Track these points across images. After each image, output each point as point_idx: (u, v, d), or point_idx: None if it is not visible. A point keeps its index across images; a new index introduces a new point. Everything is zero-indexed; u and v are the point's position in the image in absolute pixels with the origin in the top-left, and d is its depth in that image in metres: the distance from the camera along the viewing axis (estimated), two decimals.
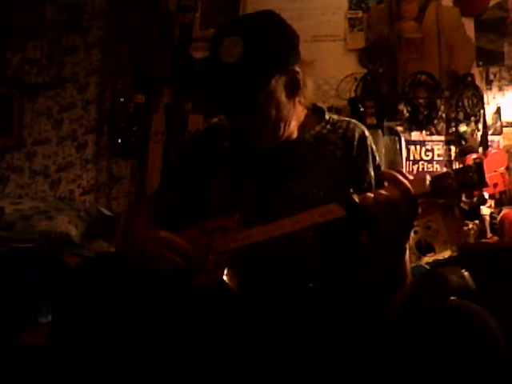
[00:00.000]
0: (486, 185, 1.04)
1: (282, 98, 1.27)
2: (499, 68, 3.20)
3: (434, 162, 3.17)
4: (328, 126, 1.38)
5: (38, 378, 1.81)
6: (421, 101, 3.18)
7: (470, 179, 1.03)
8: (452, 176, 1.05)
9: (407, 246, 1.17)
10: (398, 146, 3.13)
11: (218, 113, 1.44)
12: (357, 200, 1.08)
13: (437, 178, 1.06)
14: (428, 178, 1.06)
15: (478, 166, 1.04)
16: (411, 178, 1.08)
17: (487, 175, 1.03)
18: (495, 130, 3.15)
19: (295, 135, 1.35)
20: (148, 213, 1.41)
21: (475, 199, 2.83)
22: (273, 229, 1.16)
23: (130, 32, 3.48)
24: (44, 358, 1.32)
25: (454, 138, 3.15)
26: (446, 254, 2.66)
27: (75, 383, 1.16)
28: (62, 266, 2.35)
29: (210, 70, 1.28)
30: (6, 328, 2.15)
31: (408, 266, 1.21)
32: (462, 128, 3.12)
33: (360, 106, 3.14)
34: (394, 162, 3.08)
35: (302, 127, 1.36)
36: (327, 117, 1.40)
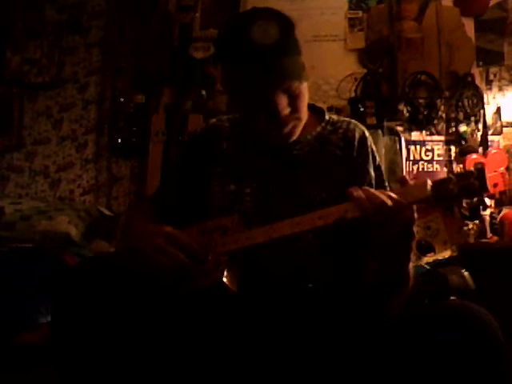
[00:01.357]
0: (487, 191, 1.04)
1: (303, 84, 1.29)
2: (499, 68, 3.20)
3: (434, 162, 3.17)
4: (328, 127, 1.38)
5: (38, 377, 1.81)
6: (421, 101, 3.18)
7: (472, 185, 1.03)
8: (453, 181, 1.05)
9: (411, 255, 1.17)
10: (398, 146, 3.14)
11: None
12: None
13: (438, 183, 1.06)
14: (429, 182, 1.06)
15: (480, 171, 1.04)
16: (412, 183, 1.09)
17: (488, 179, 1.03)
18: (495, 129, 3.15)
19: (297, 136, 1.35)
20: (148, 212, 1.41)
21: (475, 199, 2.83)
22: (273, 231, 1.15)
23: (130, 32, 3.48)
24: (44, 357, 1.31)
25: (454, 138, 3.15)
26: (446, 254, 2.66)
27: (75, 383, 1.16)
28: (62, 265, 2.35)
29: (246, 55, 1.24)
30: (6, 328, 2.15)
31: (411, 272, 1.21)
32: (462, 128, 3.12)
33: (360, 105, 3.14)
34: (394, 162, 3.08)
35: (304, 128, 1.36)
36: (327, 117, 1.40)
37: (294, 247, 1.22)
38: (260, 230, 1.17)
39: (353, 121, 1.41)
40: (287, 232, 1.14)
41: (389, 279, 1.18)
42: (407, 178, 1.11)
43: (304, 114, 1.32)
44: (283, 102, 1.24)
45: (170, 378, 1.16)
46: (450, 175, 1.07)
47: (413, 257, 1.19)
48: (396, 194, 1.08)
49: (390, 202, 1.06)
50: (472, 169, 1.06)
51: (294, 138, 1.32)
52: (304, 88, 1.29)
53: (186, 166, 1.42)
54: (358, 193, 1.09)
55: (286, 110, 1.25)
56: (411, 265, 1.20)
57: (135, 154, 3.43)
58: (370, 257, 1.18)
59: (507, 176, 2.85)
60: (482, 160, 2.91)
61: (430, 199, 1.06)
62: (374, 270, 1.18)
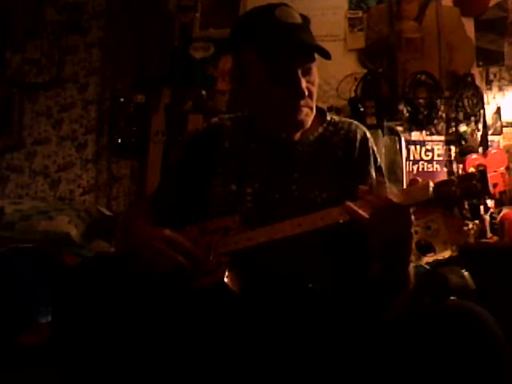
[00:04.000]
0: (489, 193, 1.04)
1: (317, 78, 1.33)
2: (499, 68, 3.20)
3: (434, 162, 3.17)
4: (330, 128, 1.38)
5: (38, 378, 1.81)
6: (421, 101, 3.18)
7: (474, 187, 1.03)
8: (455, 183, 1.04)
9: (411, 256, 1.17)
10: (398, 146, 3.13)
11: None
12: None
13: (440, 185, 1.06)
14: (431, 184, 1.06)
15: (482, 174, 1.03)
16: (418, 184, 1.08)
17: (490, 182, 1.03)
18: (495, 130, 3.15)
19: (298, 136, 1.35)
20: (147, 212, 1.41)
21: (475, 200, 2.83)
22: (274, 231, 1.15)
23: (130, 32, 3.48)
24: (44, 357, 1.31)
25: (454, 138, 3.15)
26: (446, 253, 2.65)
27: (75, 383, 1.16)
28: (62, 265, 2.35)
29: (273, 31, 1.28)
30: (6, 328, 2.15)
31: (411, 272, 1.21)
32: (462, 128, 3.12)
33: (360, 105, 3.14)
34: (394, 162, 3.08)
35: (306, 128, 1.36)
36: (329, 118, 1.40)
37: (295, 247, 1.22)
38: (261, 230, 1.17)
39: (354, 121, 1.41)
40: (289, 233, 1.14)
41: (389, 280, 1.18)
42: (419, 180, 1.10)
43: (314, 107, 1.33)
44: (303, 81, 1.28)
45: (171, 378, 1.16)
46: (452, 177, 1.07)
47: (413, 257, 1.19)
48: (397, 194, 1.08)
49: (386, 204, 1.06)
50: (474, 170, 1.06)
51: (305, 127, 1.33)
52: (317, 83, 1.32)
53: (187, 165, 1.41)
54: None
55: (306, 91, 1.28)
56: (411, 265, 1.20)
57: (135, 154, 3.43)
58: (371, 258, 1.18)
59: (507, 176, 2.85)
60: (482, 160, 2.91)
61: (431, 201, 1.06)
62: (375, 272, 1.18)
